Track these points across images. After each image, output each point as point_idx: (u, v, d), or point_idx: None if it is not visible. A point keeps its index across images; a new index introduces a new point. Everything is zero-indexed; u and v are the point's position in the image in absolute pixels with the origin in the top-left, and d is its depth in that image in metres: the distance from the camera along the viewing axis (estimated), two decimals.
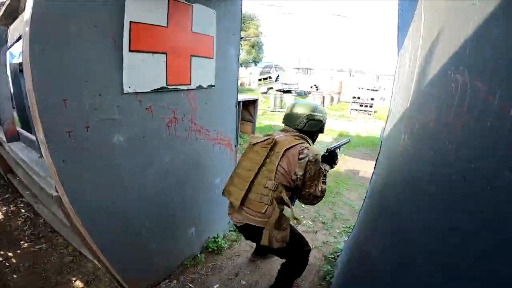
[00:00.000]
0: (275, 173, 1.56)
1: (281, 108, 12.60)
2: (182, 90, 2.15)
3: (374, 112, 13.53)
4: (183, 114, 2.22)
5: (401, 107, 1.44)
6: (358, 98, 13.21)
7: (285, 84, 17.14)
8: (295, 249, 1.75)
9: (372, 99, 13.28)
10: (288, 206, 1.61)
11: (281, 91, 15.84)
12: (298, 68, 28.85)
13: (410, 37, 1.47)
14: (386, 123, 1.85)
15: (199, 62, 2.22)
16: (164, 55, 1.90)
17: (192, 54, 2.14)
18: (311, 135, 1.77)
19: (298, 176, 1.55)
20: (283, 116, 1.88)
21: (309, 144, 1.69)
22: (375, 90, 17.27)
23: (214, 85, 2.44)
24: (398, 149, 1.35)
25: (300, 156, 1.55)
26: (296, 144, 1.59)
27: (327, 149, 1.88)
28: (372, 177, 2.03)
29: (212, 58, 2.35)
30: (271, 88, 17.08)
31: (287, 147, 1.58)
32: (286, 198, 1.57)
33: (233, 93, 2.76)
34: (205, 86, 2.34)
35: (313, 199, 1.64)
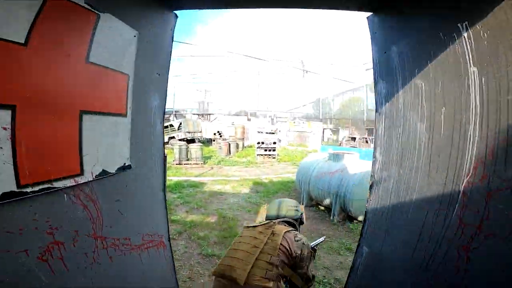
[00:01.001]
0: (278, 250, 1.66)
1: (188, 159, 11.70)
2: (64, 189, 1.19)
3: (277, 155, 14.43)
4: (75, 231, 1.27)
5: None
6: (262, 143, 13.84)
7: (188, 132, 16.45)
8: None
9: (274, 143, 14.18)
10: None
11: (184, 141, 14.98)
12: (198, 114, 28.85)
13: None
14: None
15: (99, 125, 1.28)
16: (9, 112, 0.92)
17: (84, 109, 1.19)
18: (293, 225, 2.02)
19: (297, 254, 1.70)
20: (269, 208, 2.13)
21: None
22: (273, 133, 18.78)
23: (129, 166, 1.55)
24: None
25: (296, 239, 1.76)
26: (291, 230, 1.83)
27: (312, 247, 2.01)
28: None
29: (126, 115, 1.44)
30: (173, 137, 15.99)
31: (286, 230, 1.78)
32: (288, 272, 1.69)
33: (159, 171, 1.94)
34: (113, 171, 1.43)
35: (306, 281, 1.79)
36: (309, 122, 24.25)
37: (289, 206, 2.07)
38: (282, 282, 1.64)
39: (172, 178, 8.92)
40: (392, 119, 1.97)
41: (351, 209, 5.08)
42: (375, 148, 2.21)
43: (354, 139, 19.77)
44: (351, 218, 5.28)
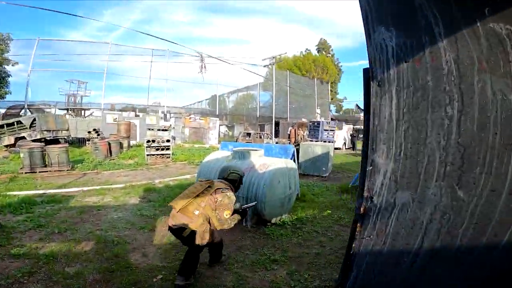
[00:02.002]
0: (208, 197, 2.83)
1: (45, 165, 8.67)
2: None
3: (173, 154, 12.89)
4: None
5: None
6: (153, 141, 12.00)
7: (48, 131, 12.50)
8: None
9: (168, 140, 12.58)
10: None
11: (42, 141, 11.28)
12: (67, 109, 23.00)
13: None
14: None
15: None
16: None
17: None
18: (233, 183, 3.20)
19: (218, 200, 2.81)
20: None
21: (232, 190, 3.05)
22: (166, 130, 16.94)
23: None
24: None
25: (223, 191, 2.86)
26: (225, 187, 2.97)
27: (241, 207, 3.26)
28: None
29: None
30: (23, 137, 11.82)
31: (221, 186, 2.94)
32: (212, 214, 2.82)
33: None
34: None
35: (222, 222, 2.86)
36: (206, 118, 23.39)
37: (231, 171, 3.24)
38: (207, 220, 2.81)
39: (16, 193, 6.20)
40: (424, 91, 1.31)
41: (264, 212, 4.57)
42: (370, 147, 1.63)
43: (249, 134, 20.30)
44: (264, 222, 4.79)
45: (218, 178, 3.26)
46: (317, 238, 4.41)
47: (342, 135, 22.47)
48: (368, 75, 1.78)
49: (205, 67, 25.49)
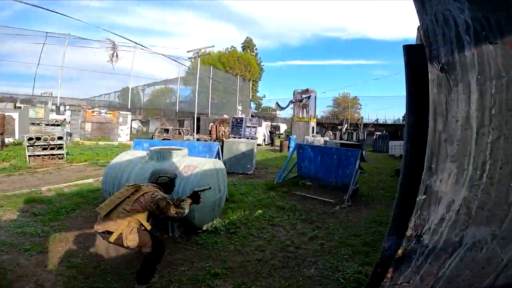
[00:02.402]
0: (134, 202, 2.74)
1: None
2: None
3: (67, 154, 10.53)
4: None
5: None
6: (38, 139, 9.48)
7: None
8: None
9: (61, 137, 10.19)
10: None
11: None
12: None
13: None
14: None
15: None
16: None
17: None
18: (164, 186, 3.12)
19: (152, 207, 2.78)
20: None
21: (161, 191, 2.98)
22: (58, 125, 13.90)
23: None
24: None
25: (152, 196, 2.80)
26: (154, 190, 2.90)
27: (193, 190, 3.27)
28: None
29: None
30: None
31: (149, 190, 2.87)
32: (141, 217, 2.76)
33: None
34: None
35: (173, 218, 2.96)
36: (114, 112, 20.33)
37: (160, 175, 3.19)
38: (136, 223, 2.74)
39: None
40: None
41: (193, 220, 3.94)
42: (427, 166, 1.16)
43: (167, 130, 18.64)
44: (194, 230, 4.17)
45: (148, 180, 3.22)
46: (255, 242, 4.10)
47: (262, 131, 23.25)
48: (418, 54, 1.25)
49: (117, 55, 22.19)
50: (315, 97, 24.94)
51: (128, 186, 2.96)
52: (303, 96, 24.10)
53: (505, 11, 1.01)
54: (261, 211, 5.39)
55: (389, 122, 36.25)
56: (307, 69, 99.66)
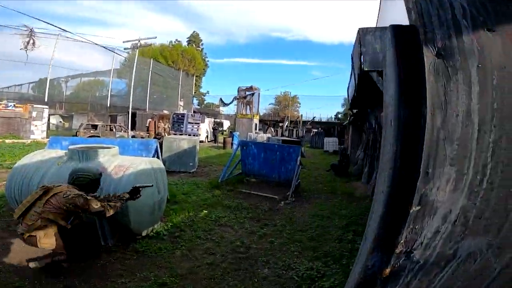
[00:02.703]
0: (44, 204, 2.65)
1: None
2: None
3: None
4: None
5: None
6: None
7: None
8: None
9: None
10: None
11: None
12: None
13: None
14: None
15: None
16: None
17: None
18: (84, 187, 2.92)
19: (68, 206, 2.67)
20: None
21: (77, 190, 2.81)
22: None
23: None
24: None
25: (64, 196, 2.66)
26: (67, 190, 2.74)
27: (133, 186, 3.08)
28: None
29: None
30: None
31: (60, 190, 2.73)
32: (57, 218, 2.68)
33: None
34: None
35: (99, 213, 2.77)
36: (26, 105, 17.12)
37: (77, 175, 2.96)
38: (52, 224, 2.67)
39: None
40: None
41: (129, 226, 3.46)
42: (423, 171, 0.99)
43: (95, 126, 16.51)
44: (133, 236, 3.68)
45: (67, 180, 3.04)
46: (203, 245, 3.82)
47: (204, 128, 22.60)
48: (408, 36, 1.06)
49: (33, 43, 18.69)
50: (259, 94, 25.39)
51: (41, 187, 2.83)
52: (247, 93, 24.28)
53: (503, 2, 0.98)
54: (206, 211, 5.12)
55: (323, 120, 39.26)
56: (252, 67, 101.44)
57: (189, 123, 17.58)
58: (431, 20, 1.03)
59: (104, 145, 4.44)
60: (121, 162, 3.84)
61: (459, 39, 0.99)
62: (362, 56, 4.38)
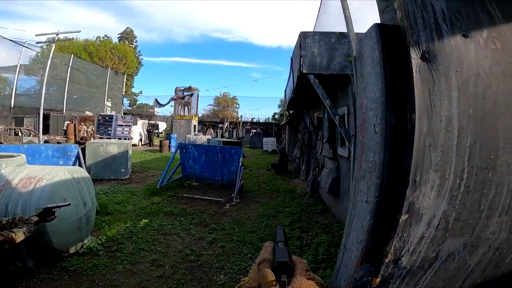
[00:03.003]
0: None
1: None
2: None
3: None
4: None
5: None
6: None
7: None
8: None
9: None
10: None
11: None
12: None
13: None
14: None
15: None
16: None
17: None
18: None
19: None
20: None
21: None
22: None
23: None
24: None
25: None
26: None
27: (45, 207, 2.28)
28: None
29: None
30: None
31: None
32: None
33: None
34: None
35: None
36: None
37: None
38: None
39: None
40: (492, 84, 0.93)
41: (51, 243, 2.90)
42: (412, 179, 0.96)
43: None
44: (57, 254, 3.12)
45: None
46: (148, 257, 3.45)
47: (137, 130, 20.79)
48: (394, 35, 1.01)
49: None
50: (198, 95, 24.59)
51: None
52: (186, 93, 23.27)
53: (472, 6, 1.02)
54: (147, 220, 4.66)
55: (261, 120, 40.50)
56: (191, 67, 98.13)
57: (118, 125, 15.89)
58: (416, 21, 1.01)
59: (6, 154, 3.60)
60: (30, 172, 3.15)
61: (441, 42, 1.00)
62: (301, 59, 4.58)
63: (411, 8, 1.01)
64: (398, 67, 1.03)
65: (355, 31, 4.31)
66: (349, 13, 4.30)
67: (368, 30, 1.14)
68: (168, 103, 24.04)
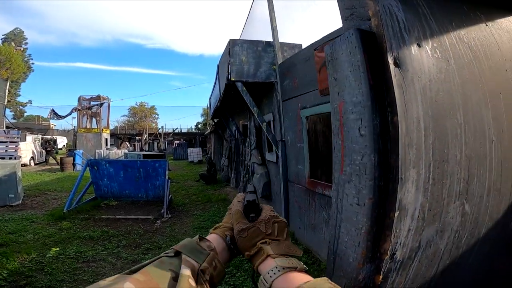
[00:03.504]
0: None
1: None
2: None
3: None
4: None
5: None
6: None
7: None
8: None
9: None
10: None
11: None
12: None
13: None
14: None
15: None
16: None
17: None
18: None
19: None
20: None
21: None
22: None
23: None
24: None
25: None
26: None
27: None
28: None
29: None
30: None
31: None
32: None
33: None
34: None
35: None
36: None
37: None
38: None
39: None
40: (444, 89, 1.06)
41: None
42: (400, 176, 1.01)
43: None
44: None
45: None
46: None
47: (28, 148, 17.02)
48: (372, 41, 1.05)
49: None
50: (109, 105, 21.83)
51: None
52: (93, 103, 20.38)
53: (419, 17, 1.15)
54: (58, 249, 3.88)
55: (184, 130, 39.09)
56: (102, 74, 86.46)
57: (0, 142, 12.71)
58: (388, 29, 1.09)
59: None
60: None
61: (405, 50, 1.11)
62: (230, 66, 4.67)
63: (384, 17, 1.10)
64: (377, 71, 1.10)
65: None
66: (276, 24, 4.66)
67: (344, 35, 1.18)
68: (70, 114, 20.60)
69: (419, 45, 1.14)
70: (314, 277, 0.51)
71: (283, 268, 0.51)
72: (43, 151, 18.41)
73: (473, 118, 1.24)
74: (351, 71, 1.13)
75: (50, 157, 17.88)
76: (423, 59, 1.15)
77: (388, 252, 1.05)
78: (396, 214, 1.04)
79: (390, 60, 1.06)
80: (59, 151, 24.51)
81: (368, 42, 1.10)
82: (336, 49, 1.22)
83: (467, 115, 1.22)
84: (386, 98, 1.09)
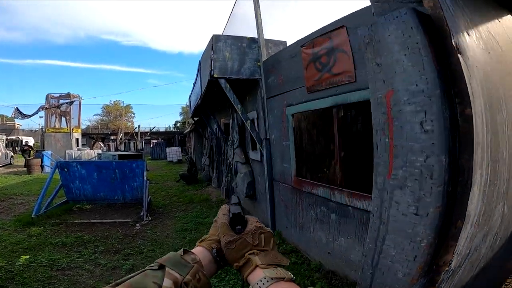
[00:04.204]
0: None
1: None
2: None
3: None
4: None
5: None
6: None
7: None
8: None
9: None
10: None
11: None
12: None
13: None
14: None
15: None
16: None
17: None
18: None
19: None
20: None
21: None
22: None
23: None
24: None
25: None
26: None
27: None
28: None
29: None
30: None
31: None
32: None
33: None
34: None
35: None
36: None
37: None
38: None
39: None
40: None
41: None
42: (463, 178, 0.85)
43: None
44: None
45: None
46: None
47: None
48: (427, 23, 0.88)
49: None
50: (80, 103, 20.63)
51: None
52: (63, 101, 19.17)
53: (461, 8, 1.06)
54: (28, 256, 3.57)
55: (162, 129, 37.99)
56: (73, 72, 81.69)
57: None
58: (447, 12, 0.92)
59: None
60: None
61: (462, 37, 0.96)
62: (212, 63, 4.52)
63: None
64: (440, 57, 0.92)
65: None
66: (261, 20, 4.56)
67: (391, 14, 1.00)
68: (36, 113, 19.23)
69: (468, 34, 1.02)
70: (305, 276, 0.49)
71: (272, 279, 0.53)
72: (13, 154, 17.05)
73: None
74: (405, 54, 0.96)
75: (16, 159, 16.61)
76: (474, 48, 1.02)
77: (447, 263, 0.93)
78: (462, 222, 0.92)
79: (455, 45, 0.92)
80: (29, 152, 22.83)
81: (426, 23, 0.94)
82: (378, 30, 1.03)
83: (509, 110, 1.10)
84: (452, 87, 0.90)
